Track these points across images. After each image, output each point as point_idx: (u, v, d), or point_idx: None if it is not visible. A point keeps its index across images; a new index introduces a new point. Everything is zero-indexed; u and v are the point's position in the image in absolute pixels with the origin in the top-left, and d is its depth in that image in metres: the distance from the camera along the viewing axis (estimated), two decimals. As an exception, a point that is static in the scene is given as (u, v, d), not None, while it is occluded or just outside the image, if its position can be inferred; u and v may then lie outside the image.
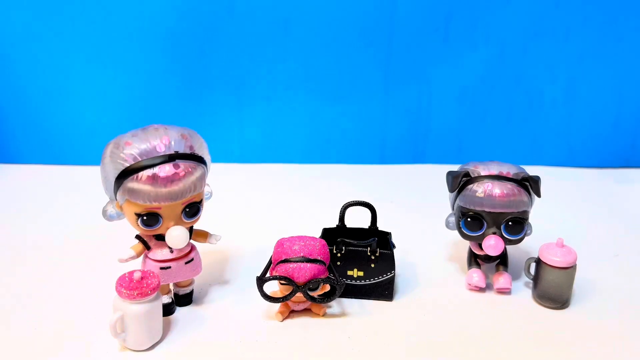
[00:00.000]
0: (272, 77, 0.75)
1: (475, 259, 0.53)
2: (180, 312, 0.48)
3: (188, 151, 0.44)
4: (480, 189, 0.48)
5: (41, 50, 0.73)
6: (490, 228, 0.49)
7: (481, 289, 0.52)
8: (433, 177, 0.73)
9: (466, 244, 0.55)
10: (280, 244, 0.47)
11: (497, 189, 0.48)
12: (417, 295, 0.51)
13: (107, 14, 0.71)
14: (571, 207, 0.68)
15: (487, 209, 0.48)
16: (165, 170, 0.42)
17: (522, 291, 0.52)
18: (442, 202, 0.64)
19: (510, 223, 0.49)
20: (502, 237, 0.49)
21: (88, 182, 0.71)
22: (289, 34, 0.74)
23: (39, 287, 0.51)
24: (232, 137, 0.76)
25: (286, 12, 0.73)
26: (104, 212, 0.46)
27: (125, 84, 0.74)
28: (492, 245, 0.48)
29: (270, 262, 0.48)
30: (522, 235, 0.49)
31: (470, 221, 0.49)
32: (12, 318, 0.47)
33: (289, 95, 0.76)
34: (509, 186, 0.48)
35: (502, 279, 0.51)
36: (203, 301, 0.50)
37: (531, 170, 0.72)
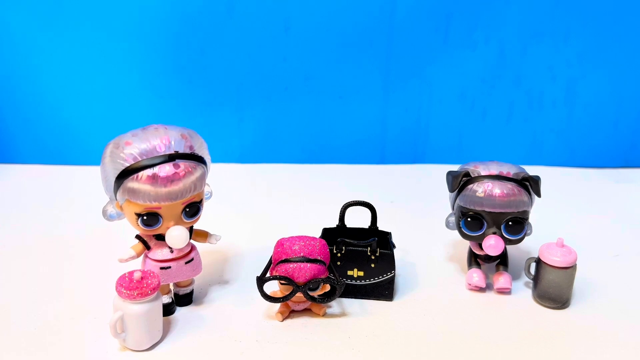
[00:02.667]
0: (272, 77, 0.75)
1: (475, 259, 0.53)
2: (180, 312, 0.48)
3: (188, 151, 0.44)
4: (480, 188, 0.48)
5: (41, 50, 0.73)
6: (491, 228, 0.49)
7: (481, 289, 0.52)
8: (433, 177, 0.73)
9: (466, 244, 0.55)
10: (280, 243, 0.47)
11: (497, 189, 0.48)
12: (417, 295, 0.51)
13: (107, 14, 0.71)
14: (571, 207, 0.68)
15: (487, 209, 0.48)
16: (165, 170, 0.42)
17: (522, 291, 0.52)
18: (442, 202, 0.64)
19: (510, 223, 0.49)
20: (502, 237, 0.49)
21: (88, 182, 0.71)
22: (289, 34, 0.73)
23: (39, 287, 0.51)
24: (232, 137, 0.76)
25: (286, 12, 0.73)
26: (104, 212, 0.46)
27: (125, 84, 0.74)
28: (492, 245, 0.48)
29: (270, 262, 0.48)
30: (522, 235, 0.49)
31: (470, 221, 0.49)
32: (11, 318, 0.47)
33: (289, 95, 0.76)
34: (509, 186, 0.48)
35: (502, 279, 0.51)
36: (203, 301, 0.50)
37: (531, 170, 0.73)
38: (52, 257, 0.56)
